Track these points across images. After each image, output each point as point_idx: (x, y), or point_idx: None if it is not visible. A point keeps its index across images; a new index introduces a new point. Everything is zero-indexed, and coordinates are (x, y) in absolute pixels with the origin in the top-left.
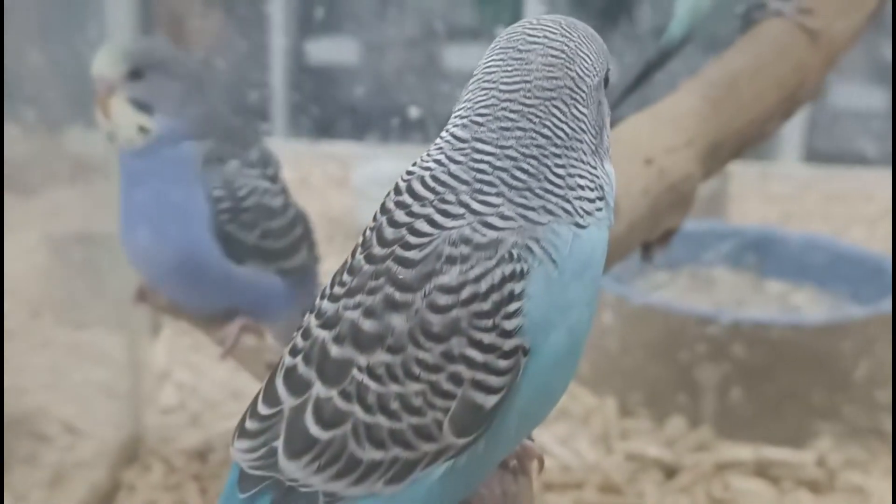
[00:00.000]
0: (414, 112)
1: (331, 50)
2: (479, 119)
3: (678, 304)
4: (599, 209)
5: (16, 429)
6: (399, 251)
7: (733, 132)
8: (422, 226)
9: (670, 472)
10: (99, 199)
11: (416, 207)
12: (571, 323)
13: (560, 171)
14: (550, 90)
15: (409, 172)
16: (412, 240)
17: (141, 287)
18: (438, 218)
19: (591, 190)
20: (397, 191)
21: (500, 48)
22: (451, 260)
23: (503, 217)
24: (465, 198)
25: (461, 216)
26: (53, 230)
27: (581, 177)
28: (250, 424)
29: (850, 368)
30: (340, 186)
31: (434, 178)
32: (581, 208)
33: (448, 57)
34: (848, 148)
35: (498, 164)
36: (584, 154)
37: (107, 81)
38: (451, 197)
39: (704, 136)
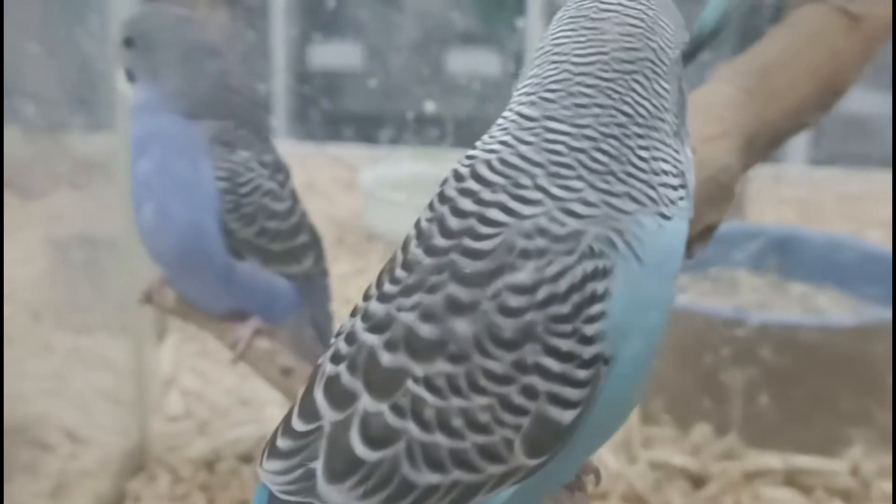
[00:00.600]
0: (419, 113)
1: (334, 54)
2: (551, 95)
3: (703, 306)
4: (682, 198)
5: (16, 437)
6: (466, 242)
7: (768, 123)
8: (494, 214)
9: (697, 481)
10: (101, 202)
11: (485, 194)
12: (650, 326)
13: (643, 154)
14: (630, 63)
15: (469, 157)
16: (482, 229)
17: (148, 288)
18: (513, 204)
19: (675, 176)
20: (458, 177)
21: (570, 17)
22: (526, 254)
23: (586, 203)
24: (543, 181)
25: (539, 202)
26: (55, 233)
27: (664, 161)
28: (283, 443)
29: (883, 372)
30: (347, 189)
31: (502, 160)
32: (666, 196)
33: (451, 61)
34: (855, 151)
35: (575, 144)
36: (666, 136)
37: (113, 50)
38: (525, 181)
39: (740, 126)
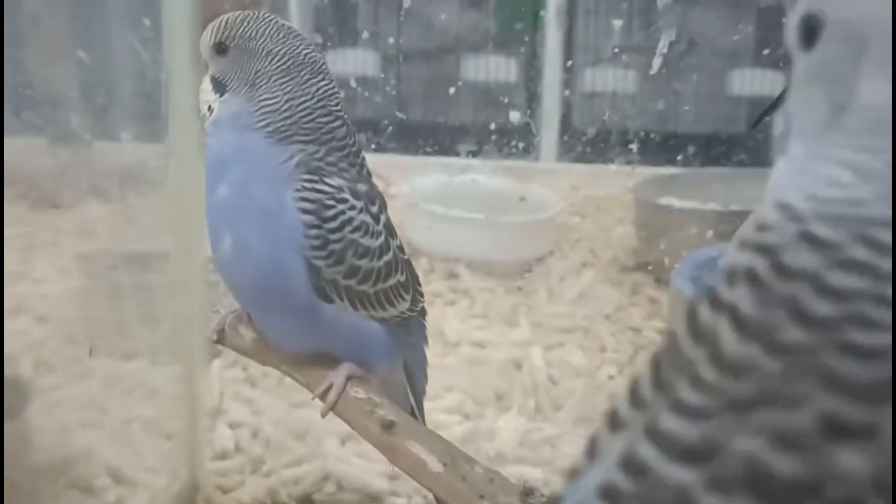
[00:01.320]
0: (442, 121)
1: (349, 61)
2: None
3: None
4: None
5: (57, 477)
6: (851, 335)
7: None
8: None
9: None
10: (148, 217)
11: (885, 264)
12: None
13: None
14: None
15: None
16: (877, 314)
17: (220, 325)
18: None
19: None
20: (820, 243)
21: None
22: None
23: None
24: None
25: None
26: (92, 248)
27: None
28: None
29: None
30: None
31: None
32: None
33: (465, 67)
34: None
35: None
36: None
37: (202, 56)
38: None
39: None
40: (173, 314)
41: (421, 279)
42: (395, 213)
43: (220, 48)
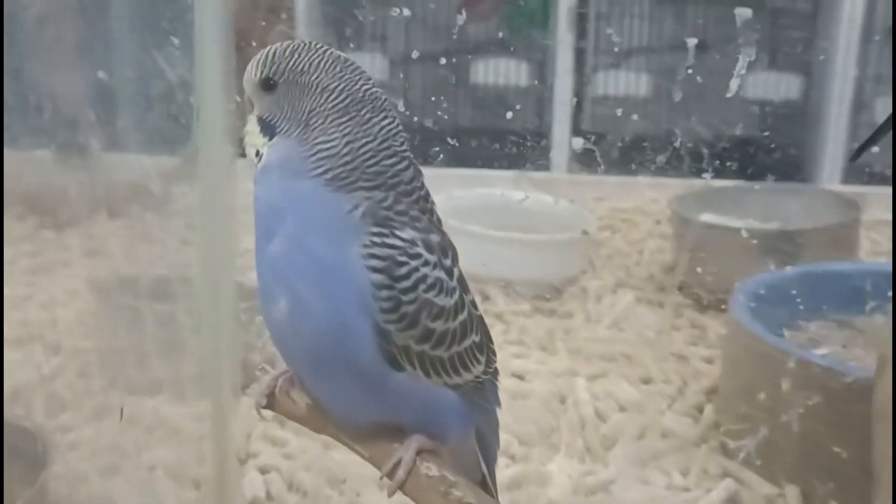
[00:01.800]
0: (453, 129)
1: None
2: None
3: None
4: None
5: None
6: None
7: None
8: None
9: None
10: (170, 239)
11: None
12: None
13: None
14: None
15: None
16: None
17: (269, 388)
18: None
19: None
20: None
21: None
22: None
23: None
24: None
25: None
26: (100, 272)
27: None
28: None
29: None
30: None
31: None
32: None
33: (474, 72)
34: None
35: None
36: None
37: (247, 93)
38: None
39: None
40: (199, 345)
41: None
42: None
43: (268, 84)
